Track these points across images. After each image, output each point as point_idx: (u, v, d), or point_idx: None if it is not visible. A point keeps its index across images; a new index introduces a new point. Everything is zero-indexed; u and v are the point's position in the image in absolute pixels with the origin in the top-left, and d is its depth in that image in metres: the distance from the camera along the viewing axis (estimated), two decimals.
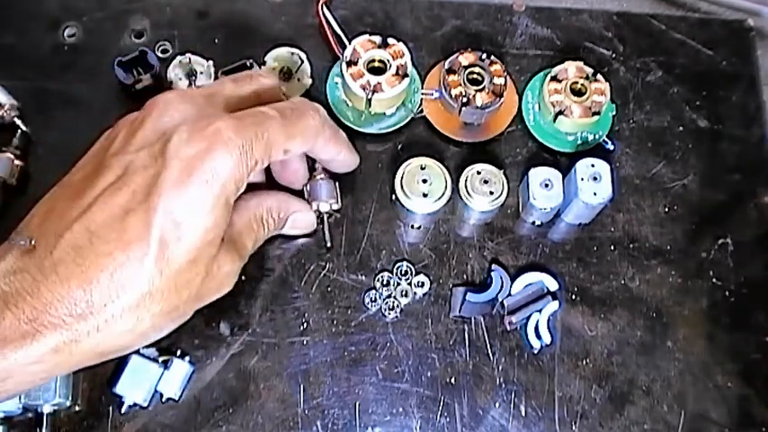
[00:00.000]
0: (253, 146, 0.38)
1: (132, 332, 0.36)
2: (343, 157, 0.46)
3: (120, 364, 0.46)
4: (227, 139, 0.37)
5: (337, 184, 0.50)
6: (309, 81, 0.53)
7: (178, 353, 0.47)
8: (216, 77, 0.52)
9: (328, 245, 0.49)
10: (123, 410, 0.45)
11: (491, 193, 0.48)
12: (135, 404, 0.45)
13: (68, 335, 0.35)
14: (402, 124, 0.52)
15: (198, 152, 0.36)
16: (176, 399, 0.46)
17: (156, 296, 0.36)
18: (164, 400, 0.46)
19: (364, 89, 0.49)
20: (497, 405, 0.47)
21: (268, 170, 0.48)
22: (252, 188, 0.43)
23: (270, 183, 0.48)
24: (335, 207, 0.49)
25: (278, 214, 0.45)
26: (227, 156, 0.36)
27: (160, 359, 0.46)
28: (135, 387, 0.45)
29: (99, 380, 0.46)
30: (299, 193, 0.48)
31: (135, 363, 0.46)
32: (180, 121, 0.38)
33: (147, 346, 0.46)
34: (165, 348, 0.47)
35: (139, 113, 0.39)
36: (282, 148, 0.40)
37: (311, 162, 0.48)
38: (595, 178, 0.48)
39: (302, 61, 0.53)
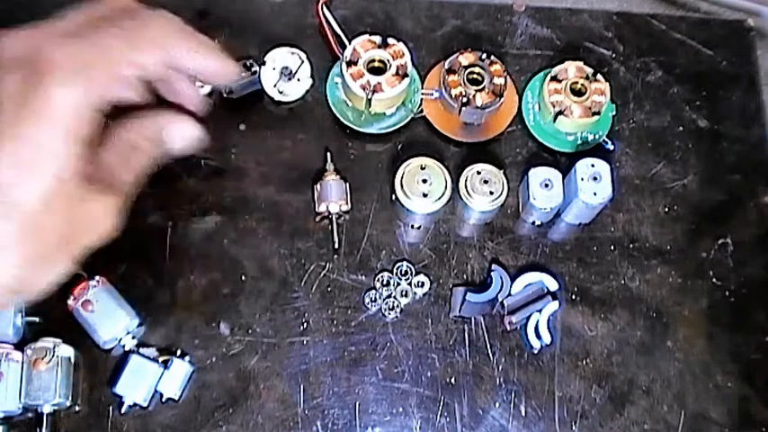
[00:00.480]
0: (91, 69, 0.35)
1: None
2: (214, 64, 0.40)
3: (119, 364, 0.46)
4: (58, 68, 0.34)
5: (348, 185, 0.50)
6: (309, 81, 0.53)
7: (178, 353, 0.47)
8: None
9: (336, 246, 0.49)
10: (123, 410, 0.45)
11: (491, 193, 0.48)
12: (135, 404, 0.46)
13: None
14: (402, 124, 0.52)
15: (27, 86, 0.33)
16: (176, 399, 0.46)
17: (10, 245, 0.33)
18: (164, 400, 0.46)
19: (364, 89, 0.49)
20: (497, 405, 0.47)
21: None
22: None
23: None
24: (345, 208, 0.50)
25: (155, 134, 0.40)
26: (61, 88, 0.34)
27: (160, 359, 0.46)
28: (135, 387, 0.45)
29: (99, 380, 0.46)
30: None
31: (135, 363, 0.46)
32: (11, 59, 0.35)
33: (147, 347, 0.46)
34: (165, 348, 0.47)
35: None
36: (129, 63, 0.36)
37: (322, 162, 0.48)
38: (595, 178, 0.48)
39: (302, 61, 0.53)
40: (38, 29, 0.37)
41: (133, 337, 0.47)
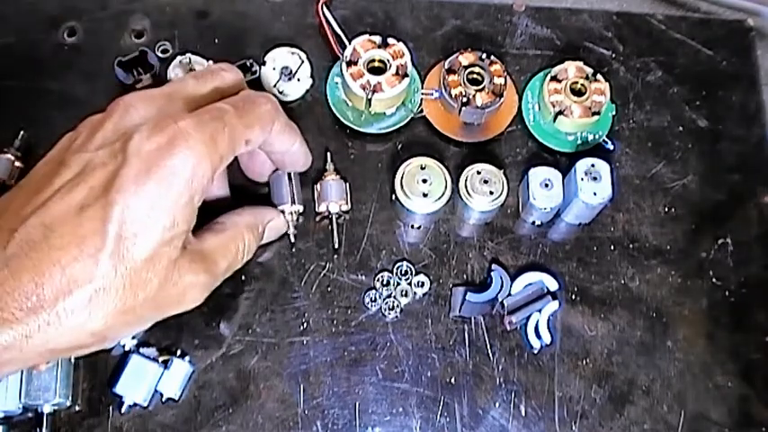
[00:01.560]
0: (216, 141, 0.37)
1: (83, 329, 0.35)
2: (297, 149, 0.45)
3: (119, 364, 0.46)
4: (188, 136, 0.36)
5: (348, 185, 0.50)
6: (309, 81, 0.53)
7: (178, 353, 0.47)
8: None
9: (336, 246, 0.49)
10: (123, 410, 0.45)
11: (491, 193, 0.48)
12: (135, 404, 0.45)
13: (19, 330, 0.34)
14: (402, 124, 0.52)
15: (158, 149, 0.36)
16: (176, 399, 0.46)
17: (110, 293, 0.35)
18: (164, 400, 0.46)
19: (364, 89, 0.49)
20: (497, 405, 0.47)
21: (232, 187, 0.48)
22: (221, 207, 0.44)
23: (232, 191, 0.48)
24: (345, 208, 0.50)
25: (257, 229, 0.45)
26: (188, 152, 0.36)
27: (160, 359, 0.46)
28: (135, 387, 0.45)
29: (99, 380, 0.46)
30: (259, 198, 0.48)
31: (135, 363, 0.46)
32: (141, 120, 0.38)
33: (147, 346, 0.46)
34: (165, 348, 0.47)
35: (102, 115, 0.39)
36: (243, 139, 0.39)
37: (322, 162, 0.49)
38: (595, 178, 0.48)
39: (302, 61, 0.53)
40: (166, 94, 0.40)
41: (133, 338, 0.47)
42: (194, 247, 0.39)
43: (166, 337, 0.47)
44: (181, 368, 0.46)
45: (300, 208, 0.49)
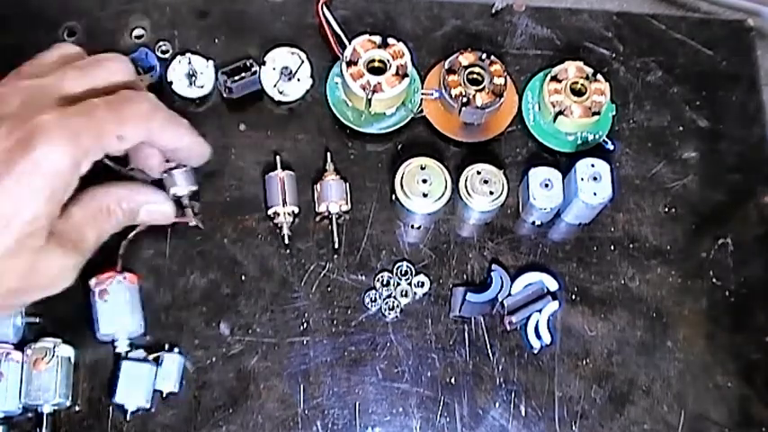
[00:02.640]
0: (80, 136, 0.37)
1: None
2: (187, 144, 0.43)
3: (113, 374, 0.46)
4: (49, 131, 0.36)
5: (348, 185, 0.50)
6: (309, 81, 0.53)
7: (166, 347, 0.47)
8: (216, 77, 0.52)
9: (336, 246, 0.49)
10: (128, 418, 0.45)
11: (491, 193, 0.48)
12: (138, 409, 0.45)
13: None
14: (402, 124, 0.52)
15: (17, 144, 0.35)
16: (176, 391, 0.46)
17: None
18: (164, 396, 0.46)
19: (364, 89, 0.49)
20: (497, 405, 0.47)
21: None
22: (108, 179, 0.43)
23: None
24: (345, 208, 0.50)
25: (127, 204, 0.43)
26: (48, 147, 0.36)
27: (150, 357, 0.46)
28: (133, 392, 0.45)
29: (99, 380, 0.46)
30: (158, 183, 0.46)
31: (127, 368, 0.45)
32: (7, 112, 0.37)
33: (135, 348, 0.46)
34: (154, 345, 0.47)
35: None
36: (114, 135, 0.38)
37: (322, 162, 0.49)
38: (595, 178, 0.48)
39: (302, 61, 0.53)
40: (39, 86, 0.39)
41: (128, 344, 0.46)
42: (60, 227, 0.38)
43: (166, 338, 0.47)
44: (173, 361, 0.46)
45: (295, 209, 0.49)
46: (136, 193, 0.44)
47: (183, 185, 0.46)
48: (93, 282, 0.46)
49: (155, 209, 0.45)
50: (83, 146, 0.37)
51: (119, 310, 0.46)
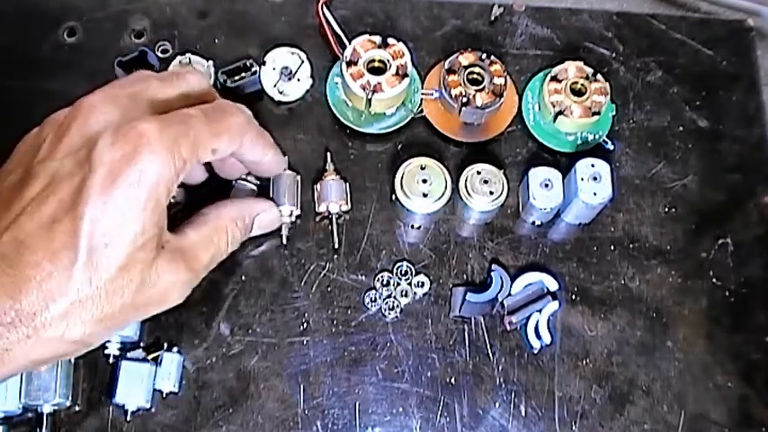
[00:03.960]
0: (180, 146, 0.37)
1: (62, 340, 0.36)
2: (270, 159, 0.45)
3: (112, 374, 0.46)
4: (153, 141, 0.36)
5: (348, 185, 0.50)
6: (309, 81, 0.53)
7: (165, 346, 0.47)
8: (216, 77, 0.52)
9: (335, 246, 0.49)
10: (129, 418, 0.45)
11: (491, 193, 0.48)
12: (138, 409, 0.45)
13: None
14: (402, 124, 0.52)
15: (123, 156, 0.36)
16: (176, 391, 0.46)
17: (86, 303, 0.35)
18: (165, 395, 0.46)
19: (364, 89, 0.49)
20: (497, 405, 0.47)
21: (211, 169, 0.47)
22: (207, 199, 0.44)
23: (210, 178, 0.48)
24: (345, 208, 0.50)
25: (243, 221, 0.44)
26: (152, 157, 0.36)
27: (149, 357, 0.46)
28: (133, 392, 0.45)
29: (99, 380, 0.46)
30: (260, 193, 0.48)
31: (126, 368, 0.45)
32: (105, 124, 0.37)
33: (132, 349, 0.46)
34: (152, 345, 0.47)
35: (65, 117, 0.39)
36: (210, 147, 0.39)
37: (322, 162, 0.49)
38: (595, 178, 0.48)
39: (302, 61, 0.53)
40: (129, 95, 0.39)
41: (120, 348, 0.46)
42: (173, 244, 0.39)
43: (167, 338, 0.47)
44: (171, 360, 0.46)
45: (297, 211, 0.49)
46: (247, 208, 0.45)
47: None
48: None
49: (266, 217, 0.46)
50: (182, 156, 0.37)
51: None
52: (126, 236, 0.36)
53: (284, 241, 0.49)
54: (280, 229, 0.49)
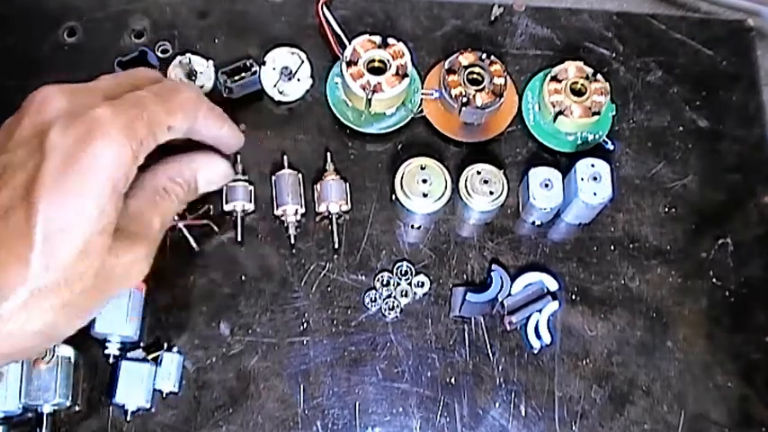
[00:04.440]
0: (135, 128, 0.37)
1: (24, 332, 0.35)
2: (226, 132, 0.44)
3: (112, 374, 0.46)
4: (106, 124, 0.36)
5: (348, 185, 0.50)
6: (309, 81, 0.53)
7: (165, 346, 0.47)
8: (216, 77, 0.52)
9: (336, 246, 0.49)
10: (129, 418, 0.45)
11: (491, 193, 0.48)
12: (138, 409, 0.45)
13: None
14: (402, 124, 0.52)
15: (76, 141, 0.35)
16: (176, 391, 0.46)
17: (46, 292, 0.35)
18: (164, 396, 0.46)
19: (364, 89, 0.49)
20: (497, 405, 0.47)
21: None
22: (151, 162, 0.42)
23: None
24: (345, 208, 0.50)
25: (183, 178, 0.43)
26: (107, 141, 0.35)
27: (149, 357, 0.46)
28: (133, 392, 0.45)
29: (99, 380, 0.46)
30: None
31: (126, 368, 0.45)
32: (57, 113, 0.37)
33: (132, 349, 0.46)
34: (152, 345, 0.47)
35: (18, 112, 0.38)
36: (165, 125, 0.39)
37: (322, 162, 0.49)
38: (595, 178, 0.48)
39: (302, 61, 0.53)
40: (82, 86, 0.39)
41: (120, 348, 0.46)
42: (125, 221, 0.38)
43: (166, 338, 0.47)
44: (171, 360, 0.46)
45: (302, 210, 0.49)
46: (187, 163, 0.43)
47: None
48: None
49: (213, 170, 0.44)
50: (138, 136, 0.37)
51: (118, 311, 0.45)
52: (83, 221, 0.35)
53: (292, 241, 0.49)
54: (286, 228, 0.49)
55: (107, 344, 0.46)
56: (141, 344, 0.47)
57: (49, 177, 0.35)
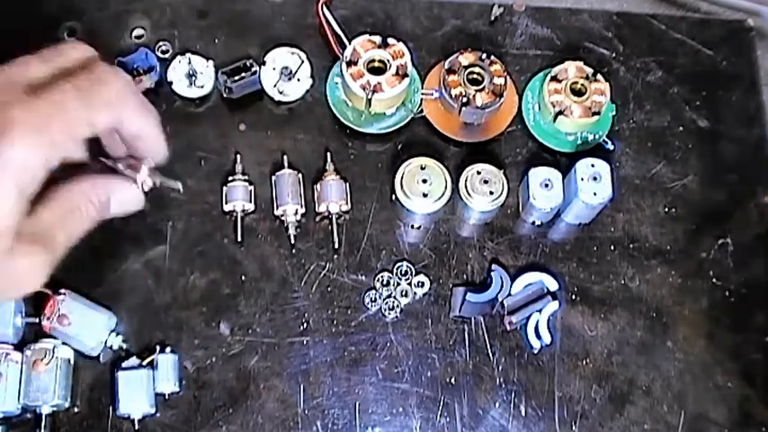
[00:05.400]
0: (50, 128, 0.35)
1: None
2: (154, 135, 0.41)
3: (111, 387, 0.45)
4: (18, 126, 0.34)
5: (348, 185, 0.50)
6: (309, 81, 0.53)
7: (157, 349, 0.46)
8: (216, 77, 0.52)
9: (336, 246, 0.49)
10: (138, 427, 0.45)
11: (491, 193, 0.48)
12: (145, 416, 0.45)
13: None
14: (402, 124, 0.52)
15: None
16: (178, 390, 0.46)
17: None
18: (167, 397, 0.46)
19: (364, 89, 0.49)
20: (497, 405, 0.47)
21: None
22: (72, 173, 0.40)
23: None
24: (345, 208, 0.50)
25: (96, 198, 0.41)
26: (18, 145, 0.34)
27: (144, 363, 0.46)
28: (136, 400, 0.45)
29: (98, 381, 0.46)
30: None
31: (124, 378, 0.45)
32: None
33: (126, 357, 0.46)
34: (144, 350, 0.47)
35: None
36: (86, 123, 0.37)
37: (322, 162, 0.49)
38: (595, 178, 0.48)
39: (302, 61, 0.53)
40: (4, 79, 0.37)
41: (117, 334, 0.46)
42: (28, 228, 0.37)
43: (166, 338, 0.47)
44: (167, 361, 0.46)
45: (302, 209, 0.49)
46: (102, 185, 0.41)
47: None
48: (45, 322, 0.45)
49: (125, 196, 0.42)
50: (53, 139, 0.35)
51: (86, 318, 0.45)
52: None
53: (292, 241, 0.49)
54: (286, 228, 0.49)
55: (107, 342, 0.46)
56: (127, 344, 0.47)
57: None
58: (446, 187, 0.48)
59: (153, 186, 0.43)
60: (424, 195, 0.48)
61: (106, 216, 0.42)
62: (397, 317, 0.49)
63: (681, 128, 0.54)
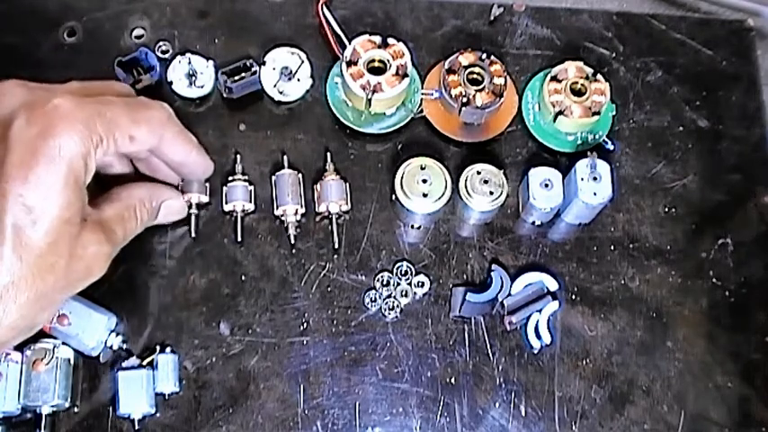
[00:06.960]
0: (95, 122, 0.37)
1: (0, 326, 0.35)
2: (194, 159, 0.44)
3: (111, 386, 0.46)
4: (68, 114, 0.36)
5: (348, 185, 0.50)
6: (309, 81, 0.53)
7: (157, 349, 0.46)
8: (216, 77, 0.52)
9: (336, 246, 0.49)
10: (138, 427, 0.45)
11: (491, 193, 0.48)
12: (145, 416, 0.45)
13: None
14: (402, 124, 0.52)
15: (39, 132, 0.36)
16: (178, 390, 0.46)
17: (20, 285, 0.35)
18: (167, 397, 0.46)
19: (364, 89, 0.49)
20: (497, 405, 0.47)
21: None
22: (123, 181, 0.44)
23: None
24: (345, 208, 0.50)
25: (150, 203, 0.44)
26: (69, 131, 0.36)
27: (144, 363, 0.46)
28: (136, 401, 0.45)
29: (98, 381, 0.46)
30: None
31: (124, 378, 0.45)
32: (18, 105, 0.37)
33: (126, 357, 0.46)
34: (144, 351, 0.47)
35: None
36: (127, 133, 0.39)
37: (322, 162, 0.49)
38: (595, 178, 0.48)
39: (302, 61, 0.53)
40: (42, 85, 0.39)
41: (117, 334, 0.46)
42: (94, 217, 0.39)
43: (166, 338, 0.47)
44: (167, 361, 0.46)
45: (302, 210, 0.49)
46: (156, 192, 0.45)
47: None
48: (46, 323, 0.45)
49: (173, 204, 0.46)
50: (98, 132, 0.37)
51: (86, 317, 0.45)
52: (52, 211, 0.36)
53: (292, 241, 0.49)
54: (286, 228, 0.49)
55: (107, 342, 0.46)
56: (126, 342, 0.47)
57: (16, 168, 0.35)
58: (446, 187, 0.48)
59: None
60: (424, 195, 0.48)
61: (153, 221, 0.45)
62: (397, 317, 0.49)
63: (681, 128, 0.54)
